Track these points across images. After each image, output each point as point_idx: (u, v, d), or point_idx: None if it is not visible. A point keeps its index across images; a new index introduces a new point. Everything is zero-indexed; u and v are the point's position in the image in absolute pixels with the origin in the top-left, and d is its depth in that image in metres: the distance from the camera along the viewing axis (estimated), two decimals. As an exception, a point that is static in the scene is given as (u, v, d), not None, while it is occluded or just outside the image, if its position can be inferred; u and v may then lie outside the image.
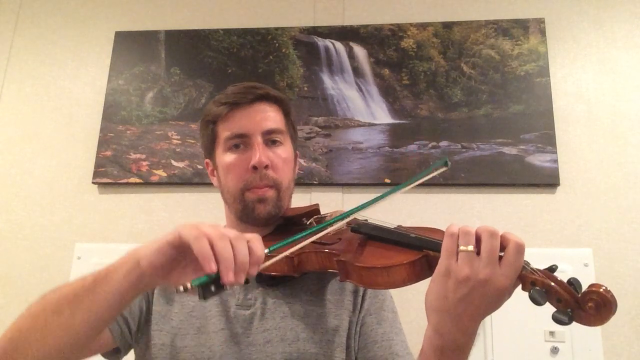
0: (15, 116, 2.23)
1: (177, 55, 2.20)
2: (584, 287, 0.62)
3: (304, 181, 1.96)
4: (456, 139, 1.99)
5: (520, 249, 0.63)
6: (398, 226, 0.82)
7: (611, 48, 2.04)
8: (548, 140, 1.93)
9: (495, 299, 0.64)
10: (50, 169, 2.14)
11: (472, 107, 2.02)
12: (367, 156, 2.00)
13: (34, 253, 2.01)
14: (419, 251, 0.71)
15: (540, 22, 2.07)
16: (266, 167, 0.91)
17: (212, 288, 0.60)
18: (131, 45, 2.23)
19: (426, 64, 2.09)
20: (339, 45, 2.14)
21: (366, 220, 0.86)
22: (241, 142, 0.93)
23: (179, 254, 0.65)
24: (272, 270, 0.83)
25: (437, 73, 2.07)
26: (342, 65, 2.12)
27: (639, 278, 1.79)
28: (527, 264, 0.64)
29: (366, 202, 0.86)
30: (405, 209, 1.88)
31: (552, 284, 0.61)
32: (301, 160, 1.98)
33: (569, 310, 0.60)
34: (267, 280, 0.90)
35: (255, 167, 0.90)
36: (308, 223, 0.90)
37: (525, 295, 0.64)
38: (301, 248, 0.81)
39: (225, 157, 0.94)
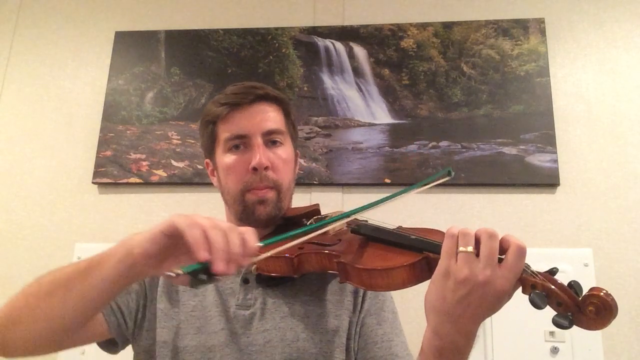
0: (15, 116, 2.23)
1: (177, 55, 2.20)
2: (585, 291, 0.61)
3: (304, 181, 1.96)
4: (456, 139, 1.99)
5: (521, 252, 0.62)
6: (398, 227, 0.81)
7: (611, 48, 2.04)
8: (548, 140, 1.93)
9: (495, 301, 0.64)
10: (50, 169, 2.14)
11: (472, 107, 2.02)
12: (367, 156, 2.00)
13: (34, 253, 2.01)
14: (419, 253, 0.71)
15: (540, 22, 2.07)
16: (266, 168, 0.90)
17: (203, 277, 0.60)
18: (131, 45, 2.23)
19: (426, 64, 2.09)
20: (339, 45, 2.14)
21: (366, 221, 0.86)
22: (241, 143, 0.93)
23: (172, 243, 0.65)
24: (272, 270, 0.83)
25: (437, 73, 2.07)
26: (342, 65, 2.12)
27: (639, 278, 1.79)
28: (528, 266, 0.64)
29: (366, 205, 0.85)
30: (405, 210, 1.88)
31: (553, 287, 0.61)
32: (301, 160, 1.98)
33: (569, 314, 0.60)
34: (267, 281, 0.90)
35: (255, 169, 0.90)
36: (308, 223, 0.90)
37: (525, 296, 0.64)
38: (299, 247, 0.81)
39: (225, 158, 0.94)
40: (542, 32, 2.05)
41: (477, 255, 0.63)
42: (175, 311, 0.91)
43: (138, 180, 2.05)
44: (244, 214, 0.92)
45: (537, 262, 0.67)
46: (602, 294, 0.59)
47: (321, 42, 2.16)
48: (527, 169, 1.91)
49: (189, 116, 2.13)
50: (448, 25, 2.12)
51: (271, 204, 0.91)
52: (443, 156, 1.97)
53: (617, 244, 1.83)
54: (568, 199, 1.89)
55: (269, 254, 0.72)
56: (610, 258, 1.80)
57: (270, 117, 0.95)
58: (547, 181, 1.90)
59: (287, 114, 1.00)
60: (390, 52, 2.12)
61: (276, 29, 2.19)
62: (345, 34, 2.15)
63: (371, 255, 0.76)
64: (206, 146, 1.00)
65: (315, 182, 1.98)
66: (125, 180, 2.05)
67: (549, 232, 1.86)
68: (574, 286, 0.62)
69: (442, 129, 2.01)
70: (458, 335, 0.66)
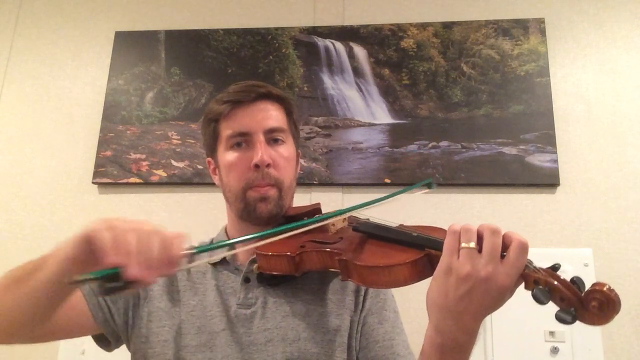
0: (15, 116, 2.23)
1: (177, 55, 2.20)
2: (588, 286, 0.61)
3: (304, 181, 1.96)
4: (456, 139, 1.99)
5: (523, 248, 0.62)
6: (400, 225, 0.81)
7: (611, 48, 2.04)
8: (548, 140, 1.93)
9: (497, 297, 0.63)
10: (50, 169, 2.14)
11: (472, 107, 2.02)
12: (367, 156, 2.00)
13: (34, 253, 2.00)
14: (421, 250, 0.71)
15: (540, 22, 2.07)
16: (268, 165, 0.90)
17: (115, 284, 0.57)
18: (131, 45, 2.23)
19: (426, 64, 2.09)
20: (339, 45, 2.14)
21: (368, 219, 0.86)
22: (243, 140, 0.93)
23: (90, 248, 0.62)
24: (273, 269, 0.83)
25: (437, 73, 2.08)
26: (342, 65, 2.12)
27: (639, 278, 1.79)
28: (530, 262, 0.64)
29: (358, 205, 0.86)
30: (405, 209, 1.88)
31: (556, 282, 0.61)
32: (301, 160, 1.97)
33: (572, 309, 0.59)
34: (269, 280, 0.90)
35: (257, 166, 0.90)
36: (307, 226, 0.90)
37: (526, 295, 0.63)
38: (300, 246, 0.81)
39: (227, 156, 0.94)
40: (542, 32, 2.05)
41: (480, 251, 0.63)
42: (176, 310, 0.90)
43: (138, 180, 2.04)
44: (245, 211, 0.92)
45: (537, 262, 0.67)
46: (605, 289, 0.59)
47: (321, 42, 2.16)
48: (527, 169, 1.91)
49: (189, 116, 2.13)
50: (448, 25, 2.12)
51: (273, 202, 0.91)
52: (443, 156, 1.97)
53: (617, 244, 1.83)
54: (568, 199, 1.89)
55: (200, 261, 0.70)
56: (610, 258, 1.81)
57: (273, 115, 0.95)
58: (547, 181, 1.90)
59: (289, 113, 1.00)
60: (390, 52, 2.12)
61: (276, 29, 2.19)
62: (345, 34, 2.15)
63: (373, 253, 0.75)
64: (208, 144, 1.00)
65: (315, 182, 1.98)
66: (125, 180, 2.05)
67: (549, 232, 1.86)
68: (577, 282, 0.61)
69: (442, 129, 2.01)
70: (460, 332, 0.66)
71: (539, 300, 0.60)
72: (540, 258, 0.67)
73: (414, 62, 2.09)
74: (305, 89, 2.11)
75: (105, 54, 2.24)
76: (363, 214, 0.88)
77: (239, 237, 0.76)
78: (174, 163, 2.05)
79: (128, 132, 2.12)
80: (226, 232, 1.01)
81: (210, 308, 0.90)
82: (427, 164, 1.96)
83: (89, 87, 2.23)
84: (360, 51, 2.13)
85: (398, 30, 2.13)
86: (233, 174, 0.93)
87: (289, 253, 0.81)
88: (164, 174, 2.04)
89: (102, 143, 2.11)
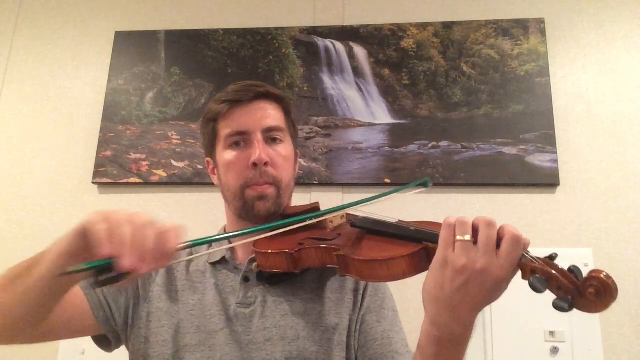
0: (15, 116, 2.23)
1: (177, 55, 2.20)
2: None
3: (304, 181, 1.96)
4: (456, 139, 1.99)
5: (516, 240, 0.62)
6: (398, 221, 0.82)
7: (611, 48, 2.04)
8: (548, 140, 1.93)
9: (492, 289, 0.64)
10: (50, 169, 2.14)
11: (472, 107, 2.02)
12: (367, 156, 2.00)
13: (34, 253, 2.01)
14: (418, 243, 0.71)
15: (540, 22, 2.07)
16: (266, 164, 0.90)
17: (108, 275, 0.57)
18: (131, 45, 2.23)
19: (426, 64, 2.09)
20: (339, 45, 2.14)
21: (365, 216, 0.86)
22: (241, 139, 0.93)
23: (86, 242, 0.62)
24: (272, 266, 0.84)
25: (437, 73, 2.07)
26: (342, 65, 2.12)
27: (639, 278, 1.79)
28: (527, 252, 0.64)
29: (358, 201, 0.86)
30: (405, 209, 1.88)
31: (553, 271, 0.61)
32: (301, 160, 1.98)
33: (569, 297, 0.60)
34: (268, 278, 0.90)
35: (255, 164, 0.90)
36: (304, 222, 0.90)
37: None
38: (299, 243, 0.82)
39: (226, 155, 0.94)
40: (542, 32, 2.05)
41: (475, 244, 0.64)
42: (175, 310, 0.90)
43: (138, 180, 2.05)
44: (243, 210, 0.92)
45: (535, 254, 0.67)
46: (602, 275, 0.59)
47: (321, 42, 2.16)
48: (527, 169, 1.91)
49: (189, 116, 2.13)
50: (448, 25, 2.12)
51: (271, 200, 0.91)
52: (443, 156, 1.97)
53: (617, 244, 1.83)
54: (568, 199, 1.89)
55: (196, 255, 0.71)
56: (610, 258, 1.80)
57: (271, 114, 0.95)
58: (547, 181, 1.90)
59: (287, 113, 1.00)
60: (390, 52, 2.12)
61: (276, 29, 2.19)
62: (345, 34, 2.16)
63: (371, 247, 0.76)
64: (207, 144, 1.00)
65: (315, 182, 1.98)
66: (125, 180, 2.05)
67: (549, 232, 1.86)
68: (574, 271, 0.62)
69: (442, 129, 2.01)
70: (456, 324, 0.66)
71: (536, 288, 0.61)
72: (540, 258, 0.67)
73: (414, 62, 2.09)
74: (305, 89, 2.11)
75: (105, 54, 2.24)
76: (362, 212, 0.88)
77: (235, 231, 0.76)
78: (174, 163, 2.05)
79: (128, 132, 2.12)
80: (225, 231, 1.02)
81: (209, 307, 0.90)
82: (427, 164, 1.96)
83: (89, 87, 2.23)
84: (360, 51, 2.13)
85: (398, 30, 2.13)
86: (231, 173, 0.93)
87: (287, 250, 0.81)
88: (164, 174, 2.04)
89: (102, 143, 2.11)
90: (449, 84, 2.06)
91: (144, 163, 2.07)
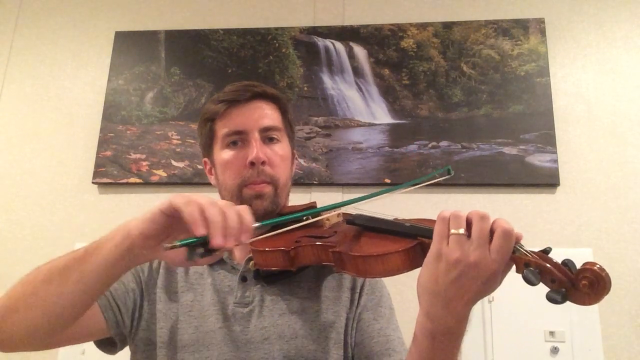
0: (15, 116, 2.23)
1: (177, 55, 2.20)
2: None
3: (304, 181, 1.96)
4: (456, 139, 1.99)
5: (506, 233, 0.63)
6: (394, 219, 0.82)
7: (611, 48, 2.04)
8: (548, 140, 1.93)
9: (486, 282, 0.64)
10: (50, 169, 2.14)
11: (472, 107, 2.02)
12: (367, 156, 2.00)
13: (34, 253, 2.01)
14: (413, 239, 0.72)
15: (540, 22, 2.07)
16: (263, 163, 0.91)
17: (200, 250, 0.64)
18: (131, 45, 2.23)
19: (426, 64, 2.09)
20: (339, 45, 2.14)
21: (361, 213, 0.87)
22: (239, 139, 0.93)
23: (170, 222, 0.67)
24: (269, 264, 0.84)
25: (437, 73, 2.08)
26: (342, 65, 2.12)
27: (639, 278, 1.79)
28: (521, 246, 0.65)
29: (364, 196, 0.87)
30: (405, 209, 1.87)
31: (546, 264, 0.61)
32: (301, 160, 1.98)
33: (563, 289, 0.60)
34: (265, 277, 0.90)
35: (252, 163, 0.90)
36: (304, 219, 0.90)
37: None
38: (295, 240, 0.82)
39: (223, 154, 0.94)
40: (542, 32, 2.05)
41: (469, 237, 0.64)
42: (173, 311, 0.91)
43: (138, 180, 2.05)
44: None
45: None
46: (595, 267, 0.59)
47: (321, 42, 2.16)
48: (527, 169, 1.91)
49: (189, 116, 2.13)
50: (448, 25, 2.12)
51: (268, 199, 0.91)
52: (443, 156, 1.97)
53: (617, 244, 1.83)
54: (568, 199, 1.89)
55: (269, 234, 0.77)
56: (610, 258, 1.80)
57: (268, 114, 0.96)
58: (547, 181, 1.90)
59: (284, 112, 1.00)
60: (390, 52, 2.12)
61: (276, 29, 2.19)
62: (345, 34, 2.16)
63: (366, 243, 0.76)
64: (204, 144, 1.00)
65: (315, 182, 1.98)
66: (125, 180, 2.05)
67: (549, 232, 1.86)
68: (568, 264, 0.62)
69: (442, 129, 2.01)
70: (450, 317, 0.66)
71: (529, 281, 0.61)
72: (539, 258, 0.67)
73: (414, 62, 2.10)
74: (305, 89, 2.11)
75: (105, 54, 2.24)
76: (359, 210, 0.88)
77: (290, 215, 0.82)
78: (174, 163, 2.06)
79: (128, 132, 2.12)
80: None
81: (207, 307, 0.90)
82: (427, 164, 1.96)
83: (89, 87, 2.23)
84: (360, 51, 2.13)
85: (398, 30, 2.13)
86: (229, 172, 0.93)
87: (283, 248, 0.82)
88: (164, 174, 2.04)
89: (102, 143, 2.11)
90: (449, 84, 2.06)
91: (144, 163, 2.07)
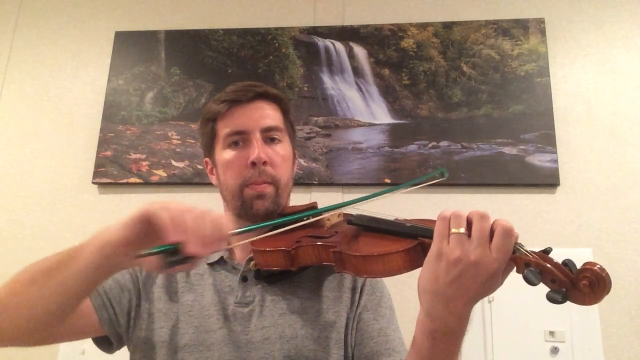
0: (15, 116, 2.23)
1: (177, 55, 2.20)
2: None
3: (304, 181, 1.96)
4: (456, 139, 1.99)
5: (507, 232, 0.63)
6: (395, 219, 0.82)
7: (611, 48, 2.04)
8: (548, 140, 1.93)
9: (486, 281, 0.64)
10: (50, 169, 2.14)
11: (472, 107, 2.02)
12: (367, 156, 2.00)
13: (34, 253, 2.00)
14: (414, 239, 0.72)
15: (540, 22, 2.07)
16: (264, 163, 0.91)
17: (175, 258, 0.62)
18: (131, 45, 2.23)
19: (426, 64, 2.09)
20: (339, 45, 2.14)
21: (362, 213, 0.87)
22: (240, 139, 0.93)
23: (147, 229, 0.65)
24: (270, 264, 0.84)
25: (437, 73, 2.08)
26: (342, 65, 2.12)
27: (639, 278, 1.79)
28: (521, 246, 0.65)
29: (357, 199, 0.87)
30: (405, 209, 1.87)
31: (547, 264, 0.62)
32: (301, 160, 1.98)
33: (563, 289, 0.60)
34: (266, 277, 0.90)
35: (253, 163, 0.90)
36: (305, 219, 0.90)
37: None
38: (296, 240, 0.82)
39: (224, 154, 0.94)
40: (542, 32, 2.05)
41: (469, 236, 0.64)
42: (174, 311, 0.91)
43: (138, 180, 2.05)
44: (242, 209, 0.92)
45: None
46: (595, 268, 0.59)
47: (321, 42, 2.16)
48: (527, 169, 1.91)
49: (189, 116, 2.13)
50: (448, 25, 2.12)
51: (269, 199, 0.91)
52: (443, 156, 1.97)
53: (617, 244, 1.83)
54: (568, 199, 1.89)
55: (244, 241, 0.76)
56: (610, 258, 1.80)
57: (269, 114, 0.96)
58: (547, 181, 1.90)
59: (285, 113, 1.00)
60: (390, 52, 2.12)
61: (276, 29, 2.19)
62: (345, 34, 2.16)
63: (367, 243, 0.77)
64: (206, 144, 1.00)
65: (315, 182, 1.98)
66: (125, 180, 2.05)
67: (549, 232, 1.86)
68: (569, 264, 0.62)
69: (442, 129, 2.01)
70: (451, 316, 0.66)
71: (530, 281, 0.61)
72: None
73: (414, 62, 2.10)
74: (305, 89, 2.11)
75: (105, 54, 2.24)
76: (360, 210, 0.88)
77: (265, 222, 0.80)
78: (174, 163, 2.06)
79: (128, 132, 2.12)
80: None
81: (207, 307, 0.90)
82: (427, 164, 1.96)
83: (89, 87, 2.23)
84: (360, 51, 2.13)
85: (398, 30, 2.13)
86: (230, 172, 0.93)
87: (284, 248, 0.82)
88: (164, 174, 2.04)
89: (102, 143, 2.11)
90: (449, 84, 2.06)
91: (144, 163, 2.07)
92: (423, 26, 2.13)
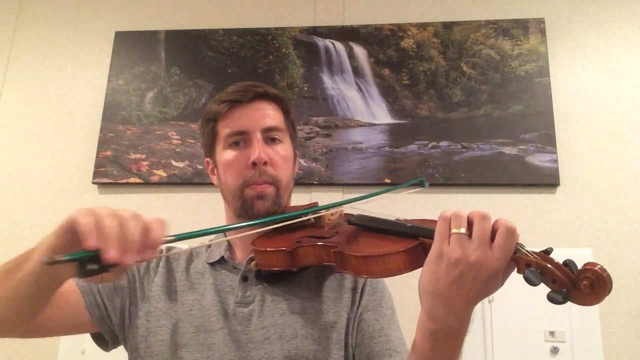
0: (15, 116, 2.23)
1: (177, 55, 2.20)
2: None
3: (304, 181, 1.96)
4: (456, 139, 1.99)
5: (509, 232, 0.63)
6: (396, 219, 0.82)
7: (611, 48, 2.04)
8: (548, 140, 1.93)
9: (487, 282, 0.64)
10: (50, 169, 2.14)
11: (472, 107, 2.02)
12: (367, 156, 2.00)
13: (34, 253, 2.01)
14: (415, 239, 0.72)
15: (540, 22, 2.07)
16: (265, 163, 0.91)
17: (93, 266, 0.58)
18: (131, 45, 2.23)
19: (426, 64, 2.09)
20: (339, 45, 2.14)
21: (362, 213, 0.87)
22: (241, 139, 0.93)
23: (72, 238, 0.63)
24: (270, 264, 0.84)
25: (437, 73, 2.08)
26: (342, 65, 2.12)
27: (639, 278, 1.79)
28: (522, 246, 0.65)
29: (347, 200, 0.87)
30: (405, 209, 1.88)
31: (548, 265, 0.62)
32: (301, 160, 1.98)
33: (564, 289, 0.60)
34: (266, 277, 0.90)
35: (254, 164, 0.90)
36: (306, 219, 0.90)
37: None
38: (297, 241, 0.82)
39: (225, 154, 0.94)
40: (542, 32, 2.05)
41: (470, 237, 0.64)
42: (174, 310, 0.91)
43: (138, 180, 2.05)
44: (242, 209, 0.93)
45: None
46: (596, 268, 0.59)
47: (321, 42, 2.16)
48: (527, 169, 1.91)
49: (189, 116, 2.13)
50: (448, 25, 2.12)
51: (270, 200, 0.91)
52: (443, 156, 1.97)
53: (617, 244, 1.83)
54: (568, 199, 1.89)
55: (181, 249, 0.72)
56: (610, 258, 1.81)
57: (270, 114, 0.96)
58: (547, 181, 1.90)
59: (286, 113, 1.00)
60: (390, 52, 2.12)
61: (276, 29, 2.19)
62: (345, 34, 2.16)
63: (367, 244, 0.76)
64: (206, 144, 1.01)
65: (315, 182, 1.98)
66: (125, 180, 2.05)
67: (549, 232, 1.86)
68: (569, 264, 0.62)
69: (442, 129, 2.01)
70: (452, 317, 0.66)
71: (531, 281, 0.61)
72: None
73: (414, 62, 2.10)
74: (305, 89, 2.11)
75: (105, 54, 2.24)
76: (360, 210, 0.88)
77: (225, 225, 0.77)
78: (174, 163, 2.06)
79: (128, 132, 2.12)
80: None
81: (208, 307, 0.90)
82: (427, 164, 1.96)
83: (89, 87, 2.23)
84: (360, 51, 2.13)
85: (398, 30, 2.13)
86: (231, 172, 0.93)
87: (285, 248, 0.82)
88: (164, 174, 2.04)
89: (102, 143, 2.11)
90: (449, 84, 2.06)
91: (144, 163, 2.07)
92: (423, 26, 2.13)
